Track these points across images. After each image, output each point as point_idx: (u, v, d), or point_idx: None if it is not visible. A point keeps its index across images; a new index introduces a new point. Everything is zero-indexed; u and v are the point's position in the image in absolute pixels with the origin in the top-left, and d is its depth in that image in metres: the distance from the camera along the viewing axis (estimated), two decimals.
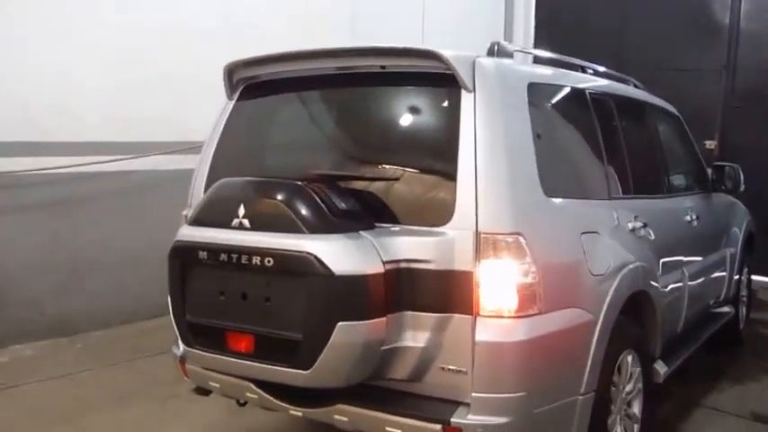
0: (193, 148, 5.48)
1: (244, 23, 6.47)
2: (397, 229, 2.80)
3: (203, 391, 3.42)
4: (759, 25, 8.56)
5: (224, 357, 2.90)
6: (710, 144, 8.54)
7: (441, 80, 2.85)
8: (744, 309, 5.91)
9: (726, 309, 5.30)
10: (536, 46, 9.80)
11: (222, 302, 2.87)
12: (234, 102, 3.53)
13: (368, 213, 2.82)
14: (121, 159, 5.75)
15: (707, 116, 8.49)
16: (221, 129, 3.51)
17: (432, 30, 8.26)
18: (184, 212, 3.47)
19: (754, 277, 6.24)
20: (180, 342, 3.21)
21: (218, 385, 3.22)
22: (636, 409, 3.47)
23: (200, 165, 3.51)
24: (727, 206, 5.47)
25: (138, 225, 5.91)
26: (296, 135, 3.53)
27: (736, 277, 5.43)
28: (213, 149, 3.49)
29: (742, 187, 5.10)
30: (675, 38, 8.99)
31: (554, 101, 3.35)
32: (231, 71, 3.47)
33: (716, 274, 4.96)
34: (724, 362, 5.41)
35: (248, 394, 3.10)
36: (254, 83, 3.50)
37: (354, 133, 3.35)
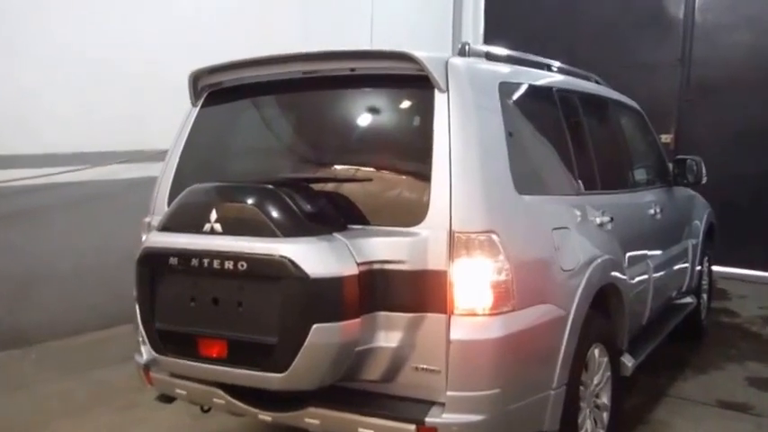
0: (148, 156, 5.60)
1: (200, 34, 6.43)
2: (370, 229, 2.79)
3: (167, 399, 3.37)
4: (713, 18, 8.72)
5: (196, 364, 2.86)
6: (666, 137, 8.67)
7: (412, 81, 2.86)
8: (705, 299, 6.02)
9: (688, 299, 5.41)
10: (486, 44, 9.85)
11: (193, 308, 2.83)
12: (198, 108, 3.49)
13: (341, 215, 2.82)
14: (75, 170, 5.67)
15: (662, 110, 8.58)
16: (186, 136, 3.47)
17: (380, 30, 8.31)
18: (146, 219, 3.43)
19: (713, 267, 6.37)
20: (143, 350, 3.19)
21: (183, 392, 3.18)
22: (605, 401, 3.51)
23: (165, 172, 3.47)
24: (687, 199, 5.58)
25: (91, 235, 5.83)
26: (264, 140, 3.52)
27: (698, 268, 5.53)
28: (178, 156, 3.45)
29: (704, 180, 5.20)
30: (630, 32, 9.10)
31: (524, 99, 3.37)
32: (196, 78, 3.44)
33: (679, 266, 5.06)
34: (687, 351, 5.50)
35: (215, 400, 3.07)
36: (218, 89, 3.47)
37: (324, 136, 3.32)
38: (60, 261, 5.67)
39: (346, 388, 2.83)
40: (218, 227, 2.75)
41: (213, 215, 2.76)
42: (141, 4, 6.18)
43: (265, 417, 2.98)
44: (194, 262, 2.76)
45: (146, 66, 6.03)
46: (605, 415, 3.51)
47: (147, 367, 3.26)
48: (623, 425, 3.83)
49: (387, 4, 8.62)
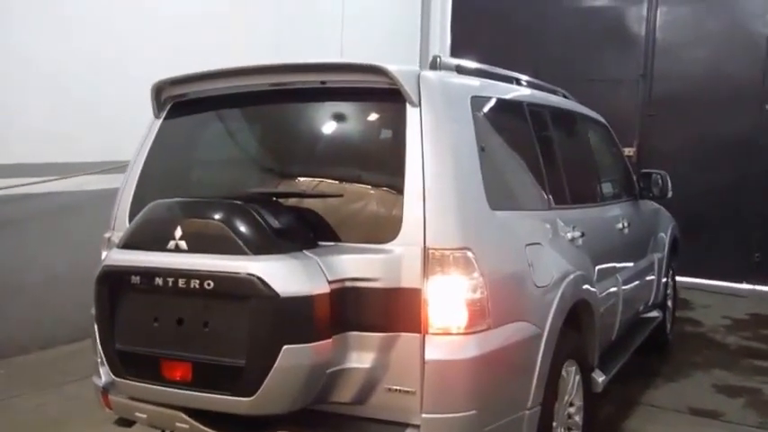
0: (117, 167, 5.43)
1: (174, 43, 6.35)
2: (342, 246, 2.71)
3: (126, 423, 3.23)
4: (674, 35, 8.92)
5: (158, 387, 2.74)
6: (629, 151, 8.77)
7: (384, 95, 2.79)
8: (670, 313, 6.02)
9: (655, 313, 5.42)
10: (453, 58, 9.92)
11: (156, 329, 2.71)
12: (161, 120, 3.37)
13: (311, 232, 2.73)
14: (47, 181, 5.58)
15: (625, 124, 8.70)
16: (148, 148, 3.35)
17: (349, 44, 8.40)
18: (107, 235, 3.30)
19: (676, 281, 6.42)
20: (102, 371, 3.05)
21: (144, 416, 3.02)
22: (577, 419, 3.46)
23: (125, 186, 3.34)
24: (653, 212, 5.60)
25: (60, 247, 5.71)
26: (230, 153, 3.42)
27: (664, 281, 5.53)
28: (139, 170, 3.33)
29: (670, 193, 5.22)
30: (593, 49, 9.27)
31: (495, 113, 3.32)
32: (159, 89, 3.32)
33: (646, 280, 5.05)
34: (655, 361, 5.56)
35: (179, 424, 2.92)
36: (182, 101, 3.36)
37: (294, 150, 3.23)
38: (29, 273, 5.55)
39: (317, 411, 2.73)
40: (182, 244, 2.64)
41: (178, 232, 2.65)
42: (113, 17, 6.10)
43: None
44: (158, 281, 2.65)
45: (119, 78, 5.95)
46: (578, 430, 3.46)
47: (105, 390, 3.11)
48: None
49: (356, 16, 8.66)
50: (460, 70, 3.29)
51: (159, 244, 2.68)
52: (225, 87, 3.17)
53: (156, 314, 2.71)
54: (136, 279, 2.72)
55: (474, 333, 2.61)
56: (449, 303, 2.59)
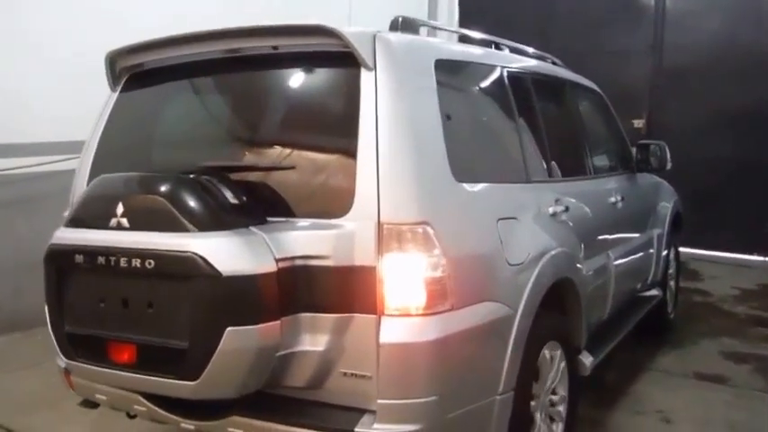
0: None
1: (187, 24, 6.31)
2: (291, 222, 2.54)
3: (91, 404, 3.15)
4: (685, 5, 8.73)
5: (106, 370, 2.64)
6: (638, 123, 8.72)
7: (339, 59, 2.59)
8: (672, 291, 5.74)
9: (653, 292, 5.16)
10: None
11: (102, 310, 2.60)
12: (117, 93, 3.23)
13: (259, 207, 2.57)
14: (74, 158, 5.61)
15: (635, 96, 8.66)
16: (104, 123, 3.22)
17: (357, 19, 8.19)
18: (65, 214, 3.17)
19: (684, 249, 6.27)
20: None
21: (105, 398, 2.96)
22: (560, 406, 3.29)
23: (82, 163, 3.22)
24: (652, 186, 5.33)
25: None
26: (185, 126, 3.24)
27: (664, 254, 5.26)
28: (95, 146, 3.20)
29: (668, 165, 4.96)
30: (602, 20, 9.09)
31: (465, 79, 3.12)
32: (113, 60, 3.17)
33: (642, 257, 4.81)
34: (663, 329, 5.54)
35: (136, 407, 2.84)
36: (138, 72, 3.20)
37: (246, 121, 3.06)
38: None
39: (272, 395, 2.61)
40: (124, 221, 2.51)
41: (119, 208, 2.52)
42: (126, 8, 6.22)
43: (187, 425, 2.75)
44: (100, 260, 2.54)
45: None
46: (560, 426, 3.29)
47: (67, 371, 3.02)
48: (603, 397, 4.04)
49: None
50: (426, 32, 3.08)
51: (102, 221, 2.57)
52: (180, 56, 3.00)
53: (102, 295, 2.61)
54: (80, 258, 2.61)
55: (434, 314, 2.44)
56: (406, 282, 2.42)
